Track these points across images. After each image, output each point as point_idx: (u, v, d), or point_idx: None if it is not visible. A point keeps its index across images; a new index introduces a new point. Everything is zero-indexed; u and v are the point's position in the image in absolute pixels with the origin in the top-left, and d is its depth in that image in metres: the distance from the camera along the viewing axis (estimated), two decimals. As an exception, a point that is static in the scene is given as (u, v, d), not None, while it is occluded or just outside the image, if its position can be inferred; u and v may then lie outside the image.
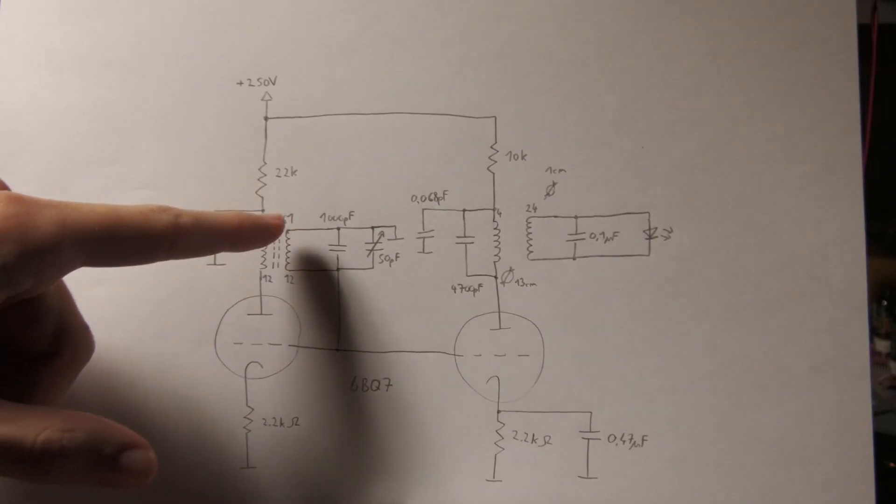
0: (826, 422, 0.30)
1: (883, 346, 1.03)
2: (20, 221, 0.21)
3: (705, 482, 0.30)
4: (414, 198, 0.31)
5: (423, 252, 0.31)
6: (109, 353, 0.31)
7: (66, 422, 0.21)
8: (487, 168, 0.31)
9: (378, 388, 0.31)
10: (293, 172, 0.31)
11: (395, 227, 0.31)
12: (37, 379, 0.25)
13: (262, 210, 0.31)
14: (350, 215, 0.31)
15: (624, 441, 0.31)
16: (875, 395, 0.31)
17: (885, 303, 1.06)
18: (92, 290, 0.31)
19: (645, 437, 0.31)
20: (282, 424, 0.31)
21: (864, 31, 0.31)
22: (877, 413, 0.30)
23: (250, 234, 0.28)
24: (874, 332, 1.03)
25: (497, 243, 0.31)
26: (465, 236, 0.31)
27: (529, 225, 0.31)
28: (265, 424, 0.31)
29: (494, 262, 0.31)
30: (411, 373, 0.31)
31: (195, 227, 0.25)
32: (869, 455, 0.30)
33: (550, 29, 0.31)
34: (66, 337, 0.26)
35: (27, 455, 0.20)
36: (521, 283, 0.31)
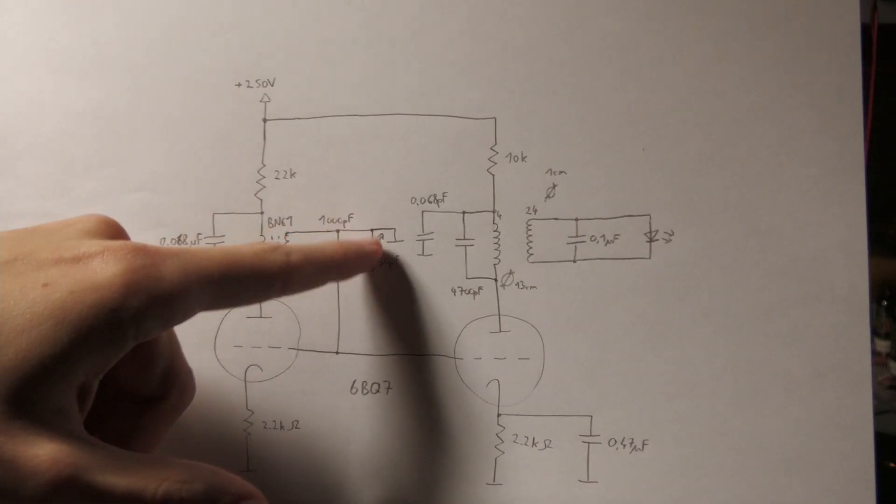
0: (827, 426, 0.30)
1: (883, 346, 1.03)
2: (148, 273, 0.21)
3: (706, 486, 0.30)
4: (413, 200, 0.31)
5: (423, 254, 0.31)
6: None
7: (185, 472, 0.21)
8: (487, 170, 0.31)
9: (378, 391, 0.31)
10: (292, 174, 0.31)
11: (394, 229, 0.31)
12: (142, 422, 0.26)
13: (262, 213, 0.31)
14: (349, 217, 0.31)
15: (624, 445, 0.31)
16: (875, 395, 0.31)
17: (885, 303, 1.06)
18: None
19: (646, 442, 0.31)
20: (282, 427, 0.31)
21: (864, 31, 0.31)
22: (877, 413, 0.30)
23: (354, 263, 0.29)
24: (874, 333, 1.03)
25: (497, 246, 0.31)
26: (464, 238, 0.31)
27: (530, 227, 0.31)
28: (265, 427, 0.31)
29: (494, 264, 0.31)
30: (411, 376, 0.31)
31: (306, 264, 0.26)
32: (870, 459, 0.30)
33: (551, 30, 0.31)
34: (172, 380, 0.27)
35: None
36: (521, 286, 0.31)
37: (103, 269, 0.21)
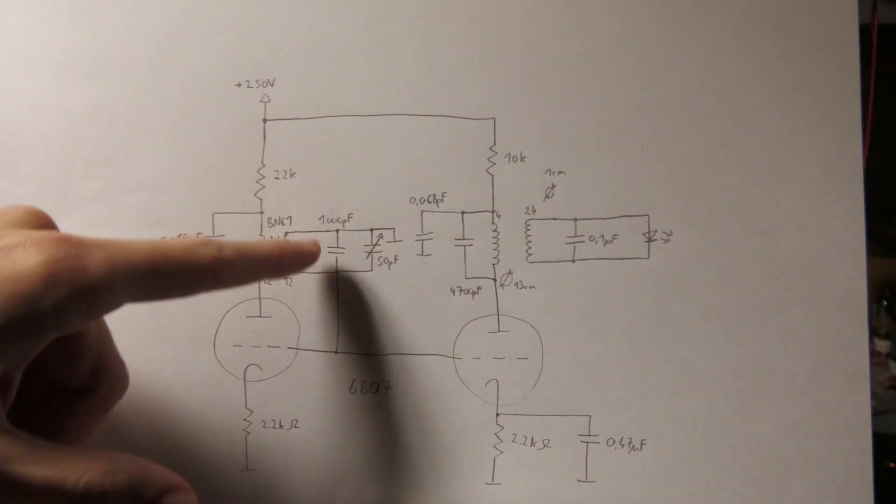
0: (825, 425, 0.30)
1: (883, 346, 1.03)
2: (70, 264, 0.21)
3: (704, 486, 0.30)
4: (413, 200, 0.31)
5: (422, 254, 0.31)
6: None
7: (108, 463, 0.21)
8: (486, 170, 0.31)
9: (377, 390, 0.31)
10: (292, 174, 0.31)
11: (393, 229, 0.31)
12: (71, 414, 0.26)
13: (262, 213, 0.31)
14: (349, 217, 0.31)
15: (623, 445, 0.31)
16: (875, 395, 0.31)
17: (885, 303, 1.06)
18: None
19: (644, 441, 0.31)
20: (281, 427, 0.31)
21: (863, 31, 0.31)
22: (877, 413, 0.30)
23: (290, 262, 0.29)
24: (874, 332, 1.03)
25: (496, 245, 0.31)
26: (463, 238, 0.31)
27: (528, 227, 0.31)
28: (264, 427, 0.31)
29: (493, 264, 0.31)
30: (410, 375, 0.31)
31: (238, 259, 0.25)
32: (868, 459, 0.30)
33: (550, 30, 0.31)
34: (102, 373, 0.26)
35: (70, 498, 0.20)
36: (520, 286, 0.31)
37: (24, 260, 0.20)
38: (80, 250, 0.21)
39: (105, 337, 0.27)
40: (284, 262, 0.28)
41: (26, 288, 0.20)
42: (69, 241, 0.21)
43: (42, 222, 0.24)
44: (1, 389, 0.21)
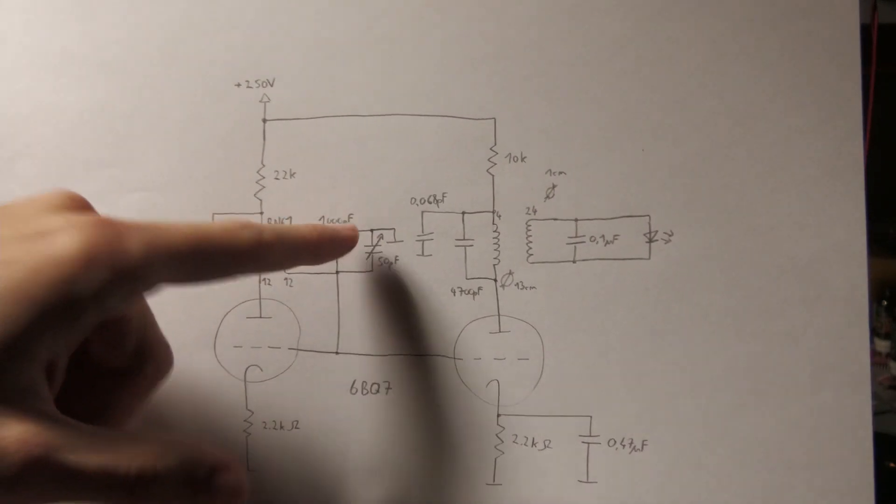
0: (826, 426, 0.30)
1: (883, 346, 1.03)
2: (111, 247, 0.21)
3: (706, 487, 0.30)
4: (413, 200, 0.31)
5: (423, 255, 0.31)
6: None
7: (158, 447, 0.21)
8: (487, 170, 0.31)
9: (378, 391, 0.31)
10: (292, 175, 0.31)
11: (394, 229, 0.31)
12: (116, 397, 0.26)
13: (262, 213, 0.31)
14: (349, 218, 0.31)
15: (624, 445, 0.31)
16: (875, 395, 0.31)
17: (885, 303, 1.06)
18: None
19: (645, 442, 0.31)
20: (281, 428, 0.31)
21: (863, 31, 0.31)
22: (877, 413, 0.30)
23: (329, 247, 0.28)
24: (874, 332, 1.03)
25: (497, 246, 0.31)
26: (464, 239, 0.31)
27: (529, 227, 0.31)
28: (265, 428, 0.31)
29: (494, 264, 0.31)
30: (411, 376, 0.31)
31: (278, 243, 0.25)
32: (869, 459, 0.30)
33: (550, 31, 0.31)
34: (147, 354, 0.26)
35: (123, 483, 0.20)
36: (520, 287, 0.31)
37: (64, 244, 0.20)
38: (120, 232, 0.21)
39: (148, 317, 0.26)
40: (323, 247, 0.28)
41: (66, 272, 0.20)
42: (109, 224, 0.21)
43: (81, 205, 0.24)
44: (48, 376, 0.21)
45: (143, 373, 0.26)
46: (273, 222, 0.31)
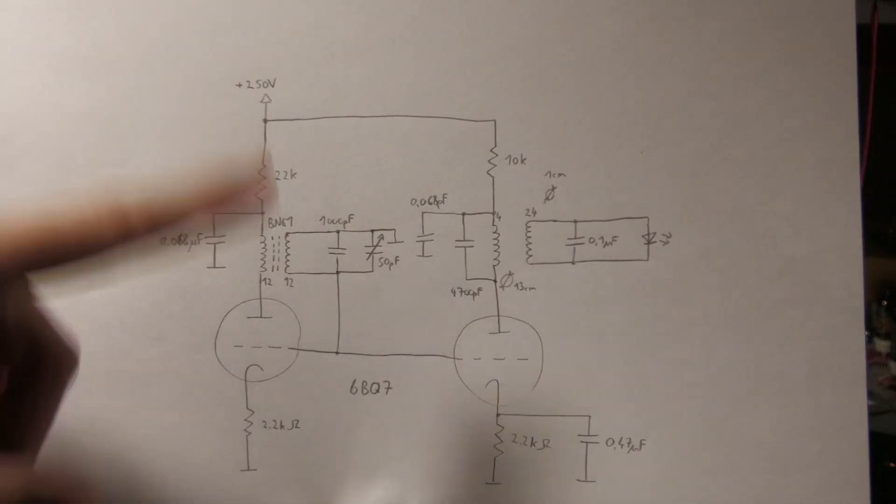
0: (822, 426, 0.30)
1: (883, 346, 1.03)
2: None
3: (703, 486, 0.30)
4: (413, 201, 0.31)
5: (423, 255, 0.31)
6: (110, 355, 0.31)
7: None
8: (487, 172, 0.31)
9: (378, 390, 0.31)
10: (292, 175, 0.31)
11: (394, 230, 0.31)
12: (18, 411, 0.23)
13: (262, 213, 0.31)
14: (350, 218, 0.31)
15: (622, 445, 0.31)
16: (875, 395, 0.31)
17: (884, 303, 1.06)
18: (92, 292, 0.31)
19: (643, 441, 0.31)
20: (282, 427, 0.31)
21: (863, 32, 0.31)
22: (876, 413, 0.30)
23: (217, 212, 0.23)
24: (874, 332, 1.03)
25: (496, 247, 0.31)
26: (464, 240, 0.31)
27: (529, 229, 0.31)
28: (265, 427, 0.31)
29: (494, 265, 0.31)
30: (411, 376, 0.31)
31: (146, 228, 0.22)
32: (865, 459, 0.30)
33: (550, 33, 0.31)
34: (40, 355, 0.24)
35: None
36: (520, 287, 0.31)
37: None
38: None
39: (35, 318, 0.23)
40: (207, 217, 0.23)
41: None
42: None
43: None
44: None
45: (42, 382, 0.24)
46: (274, 222, 0.31)
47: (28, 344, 0.23)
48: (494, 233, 0.31)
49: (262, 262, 0.31)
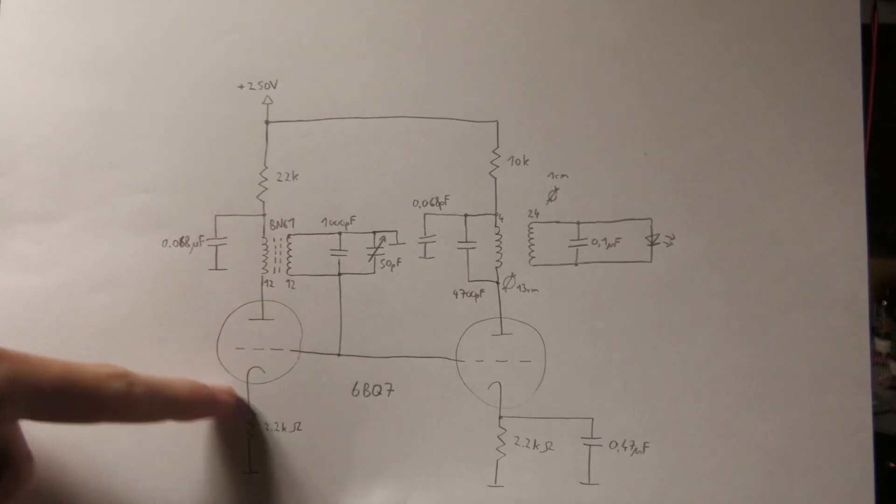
0: (827, 428, 0.30)
1: (883, 346, 1.03)
2: None
3: (707, 488, 0.30)
4: (416, 202, 0.31)
5: (425, 257, 0.31)
6: (111, 358, 0.30)
7: None
8: (489, 173, 0.31)
9: (380, 393, 0.31)
10: (294, 176, 0.31)
11: (396, 231, 0.31)
12: None
13: (264, 215, 0.31)
14: (351, 220, 0.31)
15: (626, 447, 0.31)
16: (875, 395, 0.31)
17: (885, 303, 1.06)
18: (94, 295, 0.31)
19: (647, 444, 0.31)
20: (284, 429, 0.31)
21: (864, 31, 0.31)
22: (877, 413, 0.30)
23: (201, 408, 0.29)
24: (874, 332, 1.03)
25: (499, 248, 0.31)
26: (466, 241, 0.31)
27: (531, 230, 0.31)
28: (267, 429, 0.31)
29: (496, 267, 0.31)
30: (413, 378, 0.31)
31: (147, 398, 0.25)
32: (869, 461, 0.30)
33: (553, 34, 0.31)
34: (3, 465, 0.26)
35: None
36: (522, 289, 0.31)
37: None
38: None
39: (11, 432, 0.26)
40: (195, 407, 0.28)
41: None
42: None
43: None
44: None
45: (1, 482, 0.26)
46: (276, 224, 0.31)
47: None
48: (497, 234, 0.31)
49: (264, 263, 0.31)
